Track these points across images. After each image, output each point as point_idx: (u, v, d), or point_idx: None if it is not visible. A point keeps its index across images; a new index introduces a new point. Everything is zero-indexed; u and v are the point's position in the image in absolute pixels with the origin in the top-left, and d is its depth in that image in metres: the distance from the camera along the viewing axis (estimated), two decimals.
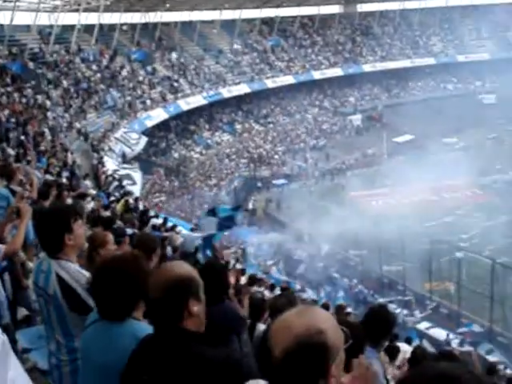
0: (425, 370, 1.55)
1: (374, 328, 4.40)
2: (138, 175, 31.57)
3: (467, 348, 20.12)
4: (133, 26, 53.59)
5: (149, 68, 51.05)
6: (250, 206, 41.88)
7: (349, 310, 17.09)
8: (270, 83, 59.71)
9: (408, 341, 13.26)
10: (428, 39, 75.90)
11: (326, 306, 13.92)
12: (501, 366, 17.29)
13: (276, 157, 52.49)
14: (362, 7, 74.43)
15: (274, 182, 46.52)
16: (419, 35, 75.98)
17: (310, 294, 23.40)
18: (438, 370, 1.52)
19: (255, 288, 13.28)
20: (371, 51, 70.37)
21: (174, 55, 55.18)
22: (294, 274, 27.82)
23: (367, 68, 67.36)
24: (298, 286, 23.10)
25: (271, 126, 57.92)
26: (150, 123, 44.80)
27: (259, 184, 46.64)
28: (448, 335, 21.31)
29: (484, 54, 75.49)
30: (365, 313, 4.73)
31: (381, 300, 23.83)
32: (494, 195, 38.01)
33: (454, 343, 20.67)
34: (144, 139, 40.06)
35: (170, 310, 2.46)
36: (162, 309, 2.46)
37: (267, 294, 13.21)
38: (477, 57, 74.39)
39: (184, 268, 2.59)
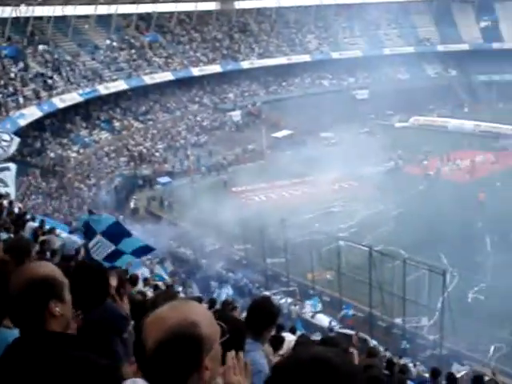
0: (299, 355, 1.63)
1: (257, 320, 4.35)
2: (11, 177, 29.89)
3: (348, 331, 20.89)
4: (3, 21, 50.57)
5: (21, 64, 48.53)
6: (132, 205, 41.07)
7: (236, 304, 17.11)
8: (148, 80, 58.75)
9: (292, 330, 13.46)
10: (304, 37, 77.87)
11: (212, 302, 13.86)
12: (382, 349, 18.12)
13: (157, 154, 51.71)
14: (239, 4, 75.12)
15: (158, 179, 45.86)
16: (295, 33, 77.82)
17: (195, 290, 23.31)
18: (310, 354, 1.59)
19: (139, 287, 12.97)
20: (249, 48, 71.20)
21: (47, 51, 52.88)
22: (179, 272, 27.59)
23: (245, 65, 68.08)
24: (181, 284, 22.90)
25: (151, 123, 56.98)
26: (23, 122, 42.42)
27: (140, 182, 45.85)
28: (331, 322, 22.00)
29: (357, 51, 78.62)
30: (248, 306, 4.65)
31: (266, 292, 24.18)
32: (369, 186, 39.62)
33: (337, 328, 21.42)
34: (16, 140, 38.01)
35: (29, 311, 2.32)
36: (22, 310, 2.33)
37: (150, 293, 12.91)
38: (350, 54, 77.39)
39: (45, 268, 2.44)
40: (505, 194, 34.48)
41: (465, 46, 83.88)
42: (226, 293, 23.47)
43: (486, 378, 12.98)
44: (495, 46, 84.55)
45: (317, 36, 79.06)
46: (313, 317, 22.93)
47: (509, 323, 21.72)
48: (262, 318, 4.40)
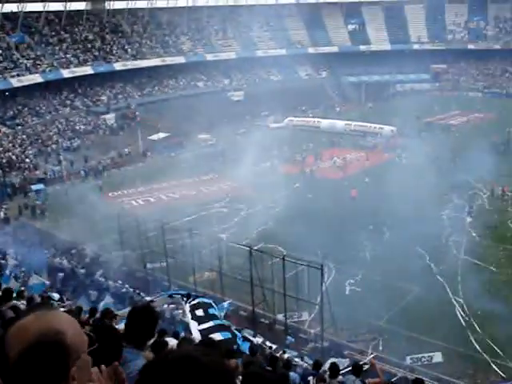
0: (168, 354, 1.63)
1: (137, 328, 4.18)
2: None
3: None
4: None
5: None
6: (2, 215, 38.80)
7: (117, 312, 16.60)
8: (15, 82, 55.94)
9: (175, 335, 13.25)
10: (177, 38, 77.56)
11: (92, 311, 13.35)
12: (266, 347, 18.29)
13: (27, 160, 49.18)
14: (110, 5, 73.45)
15: (30, 186, 43.53)
16: (169, 34, 77.33)
17: (74, 300, 22.39)
18: (179, 352, 1.62)
19: (14, 302, 12.20)
20: (121, 49, 69.79)
21: None
22: (56, 283, 26.39)
23: (118, 66, 66.64)
24: (57, 295, 21.88)
25: (19, 127, 54.19)
26: None
27: (9, 191, 43.45)
28: None
29: (231, 53, 79.42)
30: (128, 313, 4.44)
31: (147, 298, 23.71)
32: (247, 186, 40.04)
33: None
34: None
35: None
36: None
37: (23, 307, 12.19)
38: (224, 56, 78.03)
39: None
40: (373, 190, 36.25)
41: (334, 49, 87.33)
42: (105, 301, 22.72)
43: (366, 367, 13.43)
44: (363, 48, 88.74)
45: (190, 38, 79.00)
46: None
47: (384, 312, 22.73)
48: (142, 325, 4.23)
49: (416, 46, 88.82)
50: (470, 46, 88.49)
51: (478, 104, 67.42)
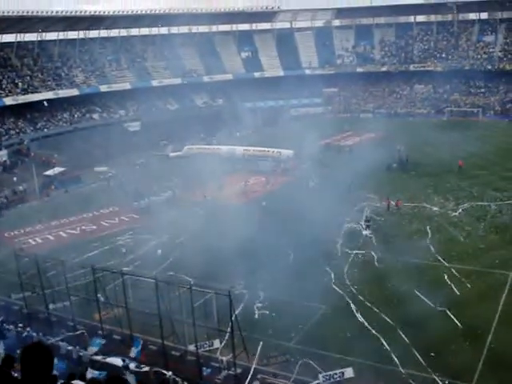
0: None
1: (31, 370, 3.97)
2: None
3: (145, 368, 20.53)
4: None
5: None
6: None
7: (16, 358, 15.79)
8: None
9: (83, 377, 12.77)
10: (69, 70, 75.90)
11: None
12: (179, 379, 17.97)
13: None
14: None
15: None
16: (60, 67, 75.52)
17: None
18: None
19: None
20: (11, 84, 67.37)
21: None
22: None
23: (8, 101, 64.18)
24: None
25: None
26: None
27: None
28: (124, 360, 21.34)
29: (125, 83, 78.67)
30: (20, 356, 4.15)
31: (52, 340, 22.76)
32: (150, 217, 39.59)
33: (132, 366, 20.86)
34: None
35: None
36: None
37: None
38: (119, 86, 77.18)
39: None
40: (277, 212, 36.79)
41: (229, 76, 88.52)
42: (2, 347, 21.53)
43: None
44: (256, 75, 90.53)
45: (83, 69, 77.59)
46: (105, 359, 22.03)
47: (294, 333, 22.98)
48: (37, 367, 4.02)
49: (308, 72, 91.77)
50: (359, 70, 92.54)
51: (370, 124, 70.29)
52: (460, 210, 38.74)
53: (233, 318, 20.76)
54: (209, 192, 44.84)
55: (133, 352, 22.01)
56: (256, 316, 24.95)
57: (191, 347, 22.32)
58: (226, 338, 22.08)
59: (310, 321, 24.14)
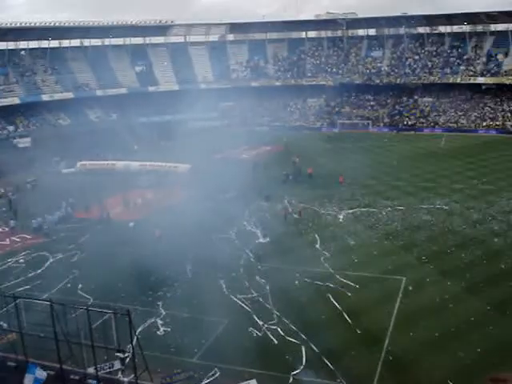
0: None
1: None
2: None
3: None
4: None
5: None
6: None
7: None
8: None
9: None
10: None
11: None
12: None
13: None
14: None
15: None
16: None
17: None
18: None
19: None
20: None
21: None
22: None
23: None
24: None
25: None
26: None
27: None
28: None
29: (14, 98, 75.63)
30: None
31: None
32: (42, 236, 38.14)
33: None
34: None
35: None
36: None
37: None
38: (7, 101, 74.09)
39: None
40: (172, 228, 36.43)
41: (123, 90, 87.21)
42: None
43: None
44: (151, 89, 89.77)
45: None
46: None
47: (197, 348, 22.75)
48: None
49: (203, 86, 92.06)
50: (254, 84, 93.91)
51: (266, 137, 71.38)
52: (353, 219, 40.05)
53: (133, 338, 20.24)
54: (104, 209, 43.67)
55: (27, 379, 20.91)
56: (158, 333, 24.49)
57: (91, 370, 21.53)
58: (127, 358, 21.48)
59: (213, 335, 23.97)
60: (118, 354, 20.56)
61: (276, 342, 23.07)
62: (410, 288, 28.16)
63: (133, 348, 20.40)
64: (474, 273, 29.61)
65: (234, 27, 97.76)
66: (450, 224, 38.33)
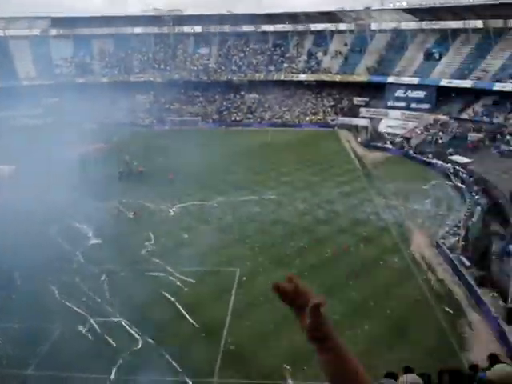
0: None
1: None
2: None
3: None
4: None
5: None
6: None
7: None
8: None
9: None
10: None
11: None
12: None
13: None
14: None
15: None
16: None
17: None
18: None
19: None
20: None
21: None
22: None
23: None
24: None
25: None
26: None
27: None
28: None
29: None
30: None
31: None
32: None
33: None
34: None
35: None
36: None
37: None
38: None
39: None
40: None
41: None
42: None
43: None
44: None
45: None
46: None
47: (31, 359, 21.68)
48: None
49: (26, 82, 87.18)
50: (79, 80, 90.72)
51: (94, 135, 69.32)
52: (186, 214, 40.46)
53: None
54: None
55: None
56: None
57: None
58: None
59: (47, 343, 23.00)
60: None
61: (114, 344, 22.70)
62: (244, 279, 29.10)
63: None
64: (303, 260, 31.31)
65: (57, 21, 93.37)
66: (279, 215, 40.11)
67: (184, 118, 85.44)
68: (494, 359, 11.51)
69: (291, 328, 23.20)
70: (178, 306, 25.89)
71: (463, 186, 45.03)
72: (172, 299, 26.52)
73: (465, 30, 79.35)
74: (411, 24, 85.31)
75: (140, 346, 22.50)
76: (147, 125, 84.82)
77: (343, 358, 2.21)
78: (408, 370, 11.42)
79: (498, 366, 4.75)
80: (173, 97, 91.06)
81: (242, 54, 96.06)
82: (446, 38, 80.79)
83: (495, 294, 26.79)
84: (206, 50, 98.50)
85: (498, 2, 66.41)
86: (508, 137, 57.89)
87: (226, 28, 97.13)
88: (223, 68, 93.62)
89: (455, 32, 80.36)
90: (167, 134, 74.68)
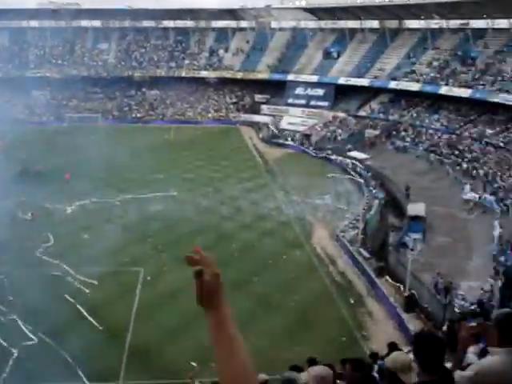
0: None
1: None
2: None
3: None
4: None
5: None
6: None
7: None
8: None
9: None
10: None
11: None
12: None
13: None
14: None
15: None
16: None
17: None
18: None
19: None
20: None
21: None
22: None
23: None
24: None
25: None
26: None
27: None
28: None
29: None
30: None
31: None
32: None
33: None
34: None
35: None
36: None
37: None
38: None
39: None
40: None
41: None
42: None
43: None
44: None
45: None
46: None
47: None
48: None
49: None
50: None
51: None
52: (86, 213, 39.42)
53: None
54: None
55: None
56: None
57: None
58: None
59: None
60: None
61: (16, 353, 21.68)
62: (149, 278, 28.73)
63: None
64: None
65: None
66: (182, 212, 39.89)
67: (83, 115, 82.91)
68: (392, 347, 12.01)
69: (198, 326, 23.16)
70: (80, 308, 25.15)
71: (361, 181, 46.53)
72: (73, 301, 25.73)
73: (362, 30, 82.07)
74: (310, 23, 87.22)
75: (37, 347, 21.64)
76: (44, 122, 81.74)
77: (227, 324, 2.55)
78: (312, 361, 11.63)
79: (393, 354, 5.02)
80: (71, 93, 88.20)
81: (142, 50, 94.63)
82: (343, 38, 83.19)
83: (393, 283, 27.99)
84: (105, 45, 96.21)
85: (392, 4, 69.32)
86: (403, 133, 60.55)
87: (126, 23, 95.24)
88: (123, 64, 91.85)
89: (352, 32, 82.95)
90: (65, 131, 72.34)
